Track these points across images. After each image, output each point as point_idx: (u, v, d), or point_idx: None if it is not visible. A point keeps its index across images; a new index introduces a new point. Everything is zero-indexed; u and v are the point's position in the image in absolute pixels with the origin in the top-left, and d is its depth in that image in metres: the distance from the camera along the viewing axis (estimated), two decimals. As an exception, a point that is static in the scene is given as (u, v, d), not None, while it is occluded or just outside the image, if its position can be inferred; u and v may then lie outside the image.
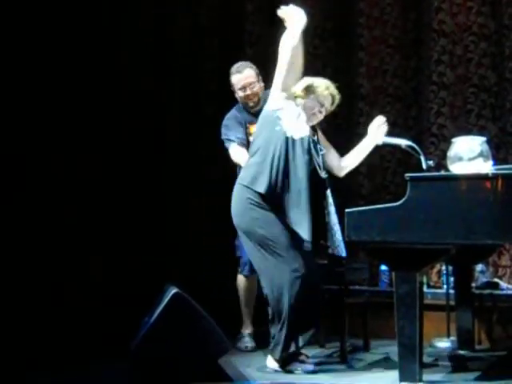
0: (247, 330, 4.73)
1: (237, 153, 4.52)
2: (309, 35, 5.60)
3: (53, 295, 5.00)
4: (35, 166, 5.21)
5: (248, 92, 4.56)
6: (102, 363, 4.15)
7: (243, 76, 4.57)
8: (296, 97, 4.14)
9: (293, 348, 4.12)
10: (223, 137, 4.63)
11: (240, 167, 4.44)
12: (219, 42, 5.86)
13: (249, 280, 4.68)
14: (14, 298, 4.79)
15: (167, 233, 5.67)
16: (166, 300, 3.65)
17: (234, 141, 4.56)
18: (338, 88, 4.23)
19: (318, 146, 4.14)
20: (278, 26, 4.16)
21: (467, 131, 4.99)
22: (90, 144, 5.46)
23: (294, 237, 4.00)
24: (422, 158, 3.95)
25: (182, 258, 5.49)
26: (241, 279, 4.72)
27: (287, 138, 4.04)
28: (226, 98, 4.80)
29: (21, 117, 5.17)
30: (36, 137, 5.21)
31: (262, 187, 4.00)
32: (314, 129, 4.20)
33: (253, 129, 4.44)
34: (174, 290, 3.67)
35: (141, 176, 5.65)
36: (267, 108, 4.17)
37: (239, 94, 4.61)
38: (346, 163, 4.29)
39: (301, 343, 4.22)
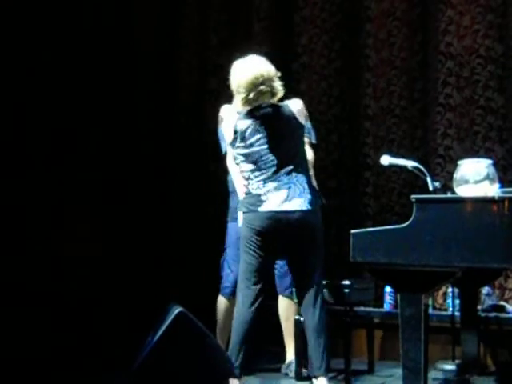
0: None
1: None
2: (316, 55, 5.71)
3: (54, 314, 4.98)
4: (36, 171, 5.23)
5: None
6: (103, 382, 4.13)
7: None
8: None
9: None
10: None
11: None
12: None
13: (229, 302, 4.40)
14: (17, 318, 4.79)
15: (172, 252, 5.66)
16: (169, 319, 3.62)
17: None
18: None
19: None
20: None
21: (474, 153, 4.99)
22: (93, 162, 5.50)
23: None
24: (429, 180, 3.94)
25: (186, 277, 5.47)
26: (221, 300, 4.48)
27: None
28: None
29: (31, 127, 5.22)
30: (37, 140, 5.24)
31: None
32: None
33: None
34: (177, 309, 3.64)
35: (146, 195, 5.66)
36: None
37: None
38: None
39: None
